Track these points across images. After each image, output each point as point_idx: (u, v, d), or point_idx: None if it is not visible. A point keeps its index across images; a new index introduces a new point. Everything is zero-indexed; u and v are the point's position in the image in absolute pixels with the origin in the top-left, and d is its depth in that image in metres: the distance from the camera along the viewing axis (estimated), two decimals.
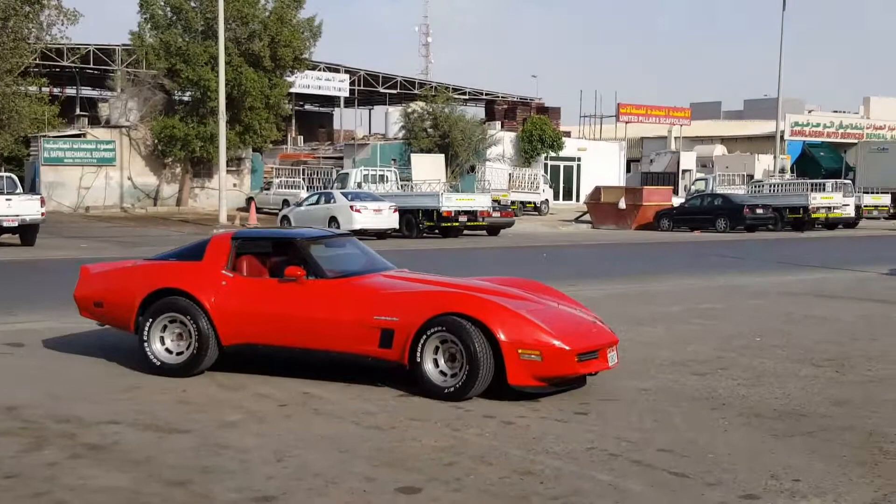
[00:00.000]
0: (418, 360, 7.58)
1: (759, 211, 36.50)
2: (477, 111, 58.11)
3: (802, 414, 7.31)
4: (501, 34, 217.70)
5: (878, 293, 15.81)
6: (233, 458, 6.09)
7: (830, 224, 38.32)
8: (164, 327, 8.43)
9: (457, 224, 31.32)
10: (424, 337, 7.54)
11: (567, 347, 7.45)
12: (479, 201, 32.76)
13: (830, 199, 38.39)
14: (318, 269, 8.30)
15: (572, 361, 7.48)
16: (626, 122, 58.74)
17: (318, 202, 31.40)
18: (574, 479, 5.77)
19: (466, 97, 60.07)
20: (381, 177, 39.74)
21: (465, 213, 31.55)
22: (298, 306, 8.02)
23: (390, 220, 30.29)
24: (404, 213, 31.14)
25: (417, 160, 44.38)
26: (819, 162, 59.41)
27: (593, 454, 6.33)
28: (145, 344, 8.41)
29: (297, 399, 7.76)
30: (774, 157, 51.71)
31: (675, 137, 61.13)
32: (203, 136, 41.48)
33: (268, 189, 43.18)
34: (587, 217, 41.07)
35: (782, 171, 52.35)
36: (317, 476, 5.79)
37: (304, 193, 37.92)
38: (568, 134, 56.37)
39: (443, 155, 45.73)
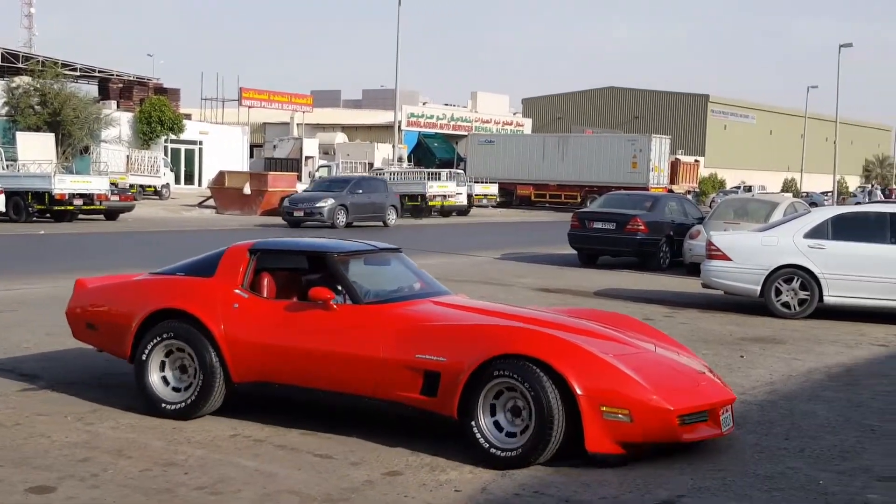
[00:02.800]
0: (472, 413, 5.92)
1: None
2: (90, 89, 54.79)
3: None
4: (114, 8, 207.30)
5: (492, 276, 17.06)
6: None
7: (446, 212, 40.55)
8: (168, 355, 6.86)
9: (71, 207, 29.44)
10: (480, 384, 5.91)
11: (668, 406, 5.77)
12: (95, 184, 31.02)
13: (445, 187, 40.61)
14: (351, 291, 6.67)
15: (672, 425, 5.79)
16: (249, 107, 58.21)
17: None
18: (220, 467, 5.67)
19: (78, 73, 56.30)
20: None
21: (81, 195, 29.75)
22: (324, 338, 6.44)
23: None
24: (11, 196, 28.84)
25: (24, 139, 41.09)
26: (433, 152, 62.78)
27: (237, 441, 6.25)
28: (143, 377, 6.80)
29: None
30: (393, 147, 53.89)
31: (298, 124, 61.68)
32: None
33: None
34: (211, 202, 40.29)
35: (400, 159, 54.70)
36: None
37: None
38: (189, 116, 54.87)
39: (53, 134, 42.74)
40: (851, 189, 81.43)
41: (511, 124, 71.25)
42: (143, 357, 6.79)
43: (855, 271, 12.34)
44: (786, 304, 12.66)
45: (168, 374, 6.83)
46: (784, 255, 12.71)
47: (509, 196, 50.78)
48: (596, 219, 19.62)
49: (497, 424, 5.93)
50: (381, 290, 6.97)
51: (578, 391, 5.67)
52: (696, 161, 61.07)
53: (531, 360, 5.78)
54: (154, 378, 6.79)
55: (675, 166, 52.83)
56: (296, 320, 6.59)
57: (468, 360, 5.92)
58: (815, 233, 12.72)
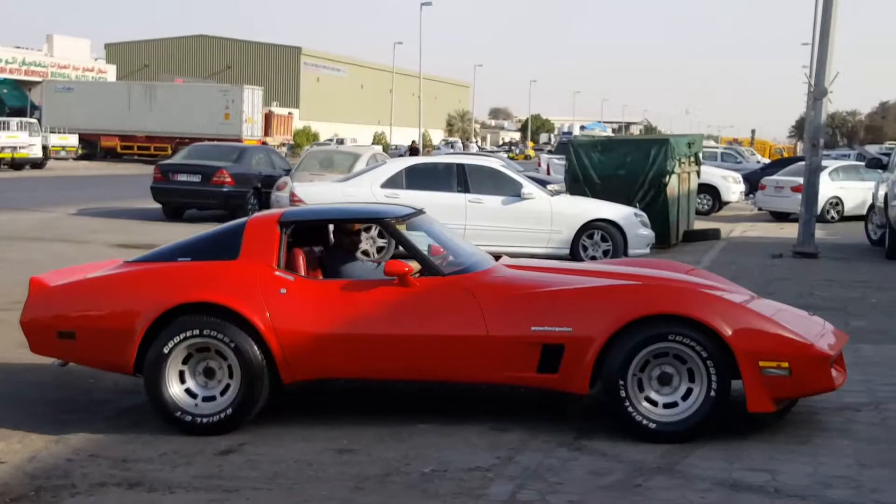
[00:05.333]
0: (619, 390, 5.27)
1: None
2: None
3: None
4: None
5: (65, 233, 16.10)
6: None
7: (17, 164, 37.66)
8: (186, 360, 5.54)
9: None
10: (621, 354, 5.26)
11: (826, 352, 5.36)
12: None
13: (16, 138, 37.69)
14: (427, 261, 5.72)
15: (828, 372, 5.34)
16: None
17: None
18: None
19: None
20: None
21: None
22: (407, 320, 5.49)
23: None
24: None
25: None
26: (3, 99, 57.68)
27: None
28: (163, 388, 5.47)
29: None
30: None
31: None
32: None
33: None
34: None
35: None
36: None
37: None
38: None
39: None
40: (435, 142, 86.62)
41: (93, 71, 67.16)
42: (159, 365, 5.50)
43: None
44: (365, 252, 13.14)
45: (189, 381, 5.59)
46: None
47: (93, 148, 48.05)
48: (180, 171, 19.21)
49: (648, 399, 5.35)
50: (444, 258, 5.99)
51: (737, 348, 5.19)
52: (290, 113, 61.71)
53: (684, 320, 5.23)
54: (175, 389, 5.54)
55: (268, 118, 52.96)
56: (365, 302, 5.58)
57: (600, 327, 5.30)
58: (391, 182, 13.37)
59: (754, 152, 47.15)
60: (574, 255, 13.07)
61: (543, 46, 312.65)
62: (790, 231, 16.63)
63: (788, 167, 24.40)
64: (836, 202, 21.96)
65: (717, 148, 38.16)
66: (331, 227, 6.43)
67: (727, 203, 24.62)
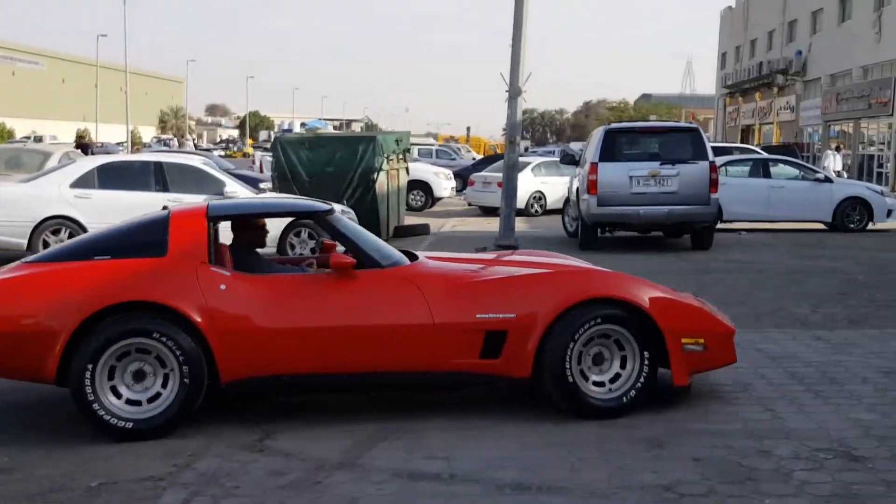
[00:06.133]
0: (560, 371, 5.46)
1: None
2: None
3: None
4: None
5: None
6: None
7: None
8: (113, 368, 5.21)
9: None
10: (562, 338, 5.45)
11: (732, 327, 5.98)
12: None
13: None
14: (365, 254, 5.70)
15: (732, 346, 5.95)
16: None
17: None
18: None
19: None
20: None
21: None
22: (355, 312, 5.45)
23: None
24: None
25: None
26: None
27: None
28: (92, 399, 5.16)
29: None
30: None
31: None
32: None
33: None
34: None
35: None
36: None
37: None
38: None
39: None
40: (146, 140, 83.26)
41: None
42: (88, 371, 5.16)
43: (120, 219, 12.46)
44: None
45: (120, 386, 5.28)
46: (50, 205, 12.50)
47: None
48: None
49: (586, 377, 5.59)
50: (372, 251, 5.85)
51: (664, 328, 5.56)
52: None
53: (619, 304, 5.54)
54: (109, 395, 5.25)
55: None
56: (310, 296, 5.51)
57: (542, 312, 5.47)
58: (82, 182, 12.75)
59: (469, 149, 48.94)
60: (281, 252, 12.91)
61: (260, 41, 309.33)
62: (497, 225, 17.30)
63: (496, 163, 25.42)
64: (539, 196, 23.13)
65: (432, 145, 39.29)
66: (228, 222, 6.20)
67: (440, 199, 25.34)
